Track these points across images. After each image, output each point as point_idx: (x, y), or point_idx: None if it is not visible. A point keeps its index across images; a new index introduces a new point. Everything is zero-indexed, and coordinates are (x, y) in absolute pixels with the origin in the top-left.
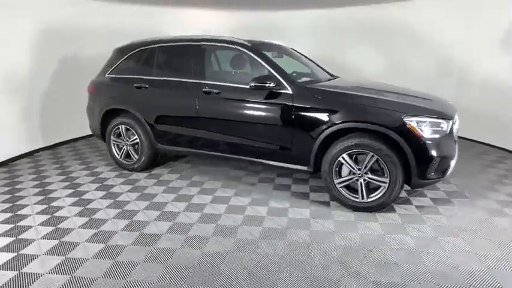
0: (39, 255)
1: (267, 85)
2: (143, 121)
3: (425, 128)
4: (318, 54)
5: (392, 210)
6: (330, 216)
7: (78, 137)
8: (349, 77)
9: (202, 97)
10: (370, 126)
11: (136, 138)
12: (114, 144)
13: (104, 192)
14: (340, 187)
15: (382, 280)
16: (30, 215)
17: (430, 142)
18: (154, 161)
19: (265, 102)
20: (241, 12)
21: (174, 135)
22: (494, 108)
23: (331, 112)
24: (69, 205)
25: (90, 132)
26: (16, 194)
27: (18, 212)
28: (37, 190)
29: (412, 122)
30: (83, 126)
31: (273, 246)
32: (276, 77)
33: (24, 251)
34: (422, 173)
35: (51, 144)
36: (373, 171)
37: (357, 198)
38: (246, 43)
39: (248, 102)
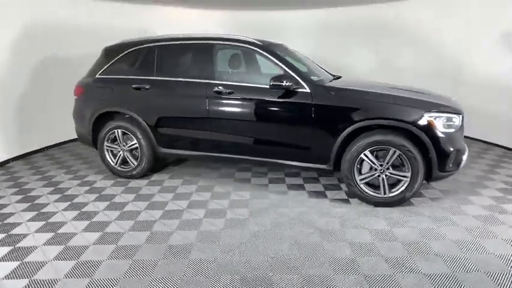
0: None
1: (285, 84)
2: (144, 124)
3: (442, 123)
4: (313, 54)
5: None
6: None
7: (51, 144)
8: (349, 76)
9: (213, 97)
10: (394, 123)
11: (135, 143)
12: (108, 150)
13: (105, 203)
14: (362, 184)
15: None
16: (28, 234)
17: (447, 136)
18: (153, 167)
19: (284, 102)
20: (232, 11)
21: (179, 137)
22: (493, 107)
23: (353, 110)
24: (72, 220)
25: (64, 139)
26: (6, 221)
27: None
28: (26, 205)
29: (431, 117)
30: (55, 132)
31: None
32: (294, 76)
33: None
34: (442, 166)
35: (22, 153)
36: (393, 166)
37: (379, 193)
38: (259, 42)
39: (265, 102)
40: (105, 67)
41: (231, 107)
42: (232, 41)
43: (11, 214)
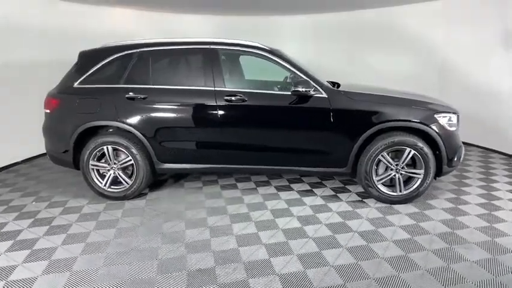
0: None
1: (305, 90)
2: (141, 138)
3: (447, 122)
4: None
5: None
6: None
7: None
8: (349, 82)
9: (224, 106)
10: (411, 124)
11: (129, 160)
12: (93, 170)
13: (112, 230)
14: (379, 184)
15: None
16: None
17: (452, 134)
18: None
19: (301, 108)
20: (223, 16)
21: (185, 151)
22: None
23: (372, 113)
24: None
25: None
26: None
27: None
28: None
29: (440, 118)
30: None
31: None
32: (310, 81)
33: None
34: (450, 162)
35: None
36: (405, 165)
37: (395, 192)
38: (267, 47)
39: (281, 108)
40: (86, 75)
41: (245, 115)
42: (240, 46)
43: None
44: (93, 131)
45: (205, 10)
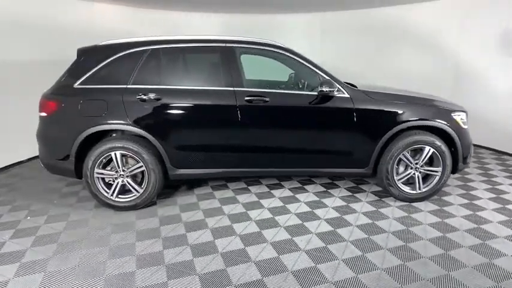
0: None
1: (329, 89)
2: (154, 142)
3: (462, 121)
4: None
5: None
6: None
7: None
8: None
9: (245, 107)
10: (433, 123)
11: (140, 166)
12: (98, 178)
13: (184, 249)
14: (399, 183)
15: None
16: None
17: (466, 132)
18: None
19: (325, 108)
20: (229, 15)
21: (201, 155)
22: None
23: (394, 113)
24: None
25: None
26: None
27: None
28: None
29: (455, 116)
30: None
31: None
32: (333, 81)
33: None
34: (465, 159)
35: None
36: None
37: (414, 190)
38: (287, 47)
39: (304, 108)
40: (88, 74)
41: (267, 116)
42: (258, 44)
43: None
44: (97, 137)
45: (208, 8)
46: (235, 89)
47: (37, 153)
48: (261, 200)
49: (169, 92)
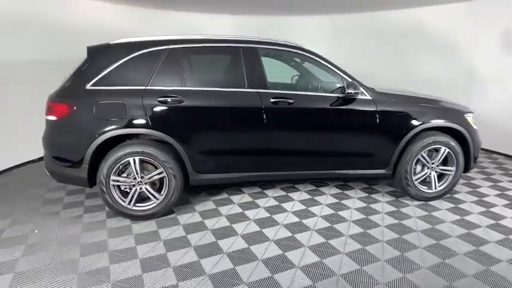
0: None
1: (354, 92)
2: (177, 146)
3: (472, 122)
4: None
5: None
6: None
7: None
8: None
9: (270, 109)
10: (450, 125)
11: (161, 172)
12: (114, 186)
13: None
14: (417, 183)
15: None
16: None
17: (477, 132)
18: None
19: (349, 110)
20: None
21: (225, 159)
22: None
23: (413, 115)
24: None
25: None
26: None
27: None
28: None
29: (468, 117)
30: None
31: None
32: (356, 83)
33: None
34: (475, 158)
35: None
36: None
37: (430, 189)
38: (309, 49)
39: (329, 110)
40: (102, 75)
41: (292, 118)
42: (280, 45)
43: None
44: (110, 142)
45: (213, 10)
46: (260, 90)
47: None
48: (282, 204)
49: (193, 94)
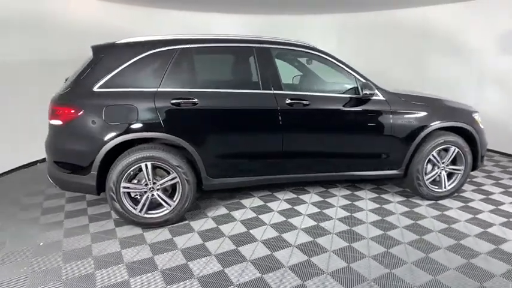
0: None
1: (370, 93)
2: (191, 150)
3: (479, 121)
4: None
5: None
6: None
7: None
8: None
9: (286, 110)
10: (461, 125)
11: (174, 177)
12: (124, 193)
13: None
14: (428, 182)
15: None
16: None
17: (484, 132)
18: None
19: (365, 111)
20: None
21: (240, 162)
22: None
23: (427, 115)
24: None
25: None
26: None
27: None
28: None
29: (475, 117)
30: None
31: None
32: (371, 84)
33: None
34: (482, 157)
35: None
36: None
37: (440, 189)
38: (322, 49)
39: (344, 111)
40: (110, 76)
41: (308, 120)
42: (294, 46)
43: None
44: (118, 148)
45: (220, 9)
46: (275, 91)
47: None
48: (295, 207)
49: (207, 96)
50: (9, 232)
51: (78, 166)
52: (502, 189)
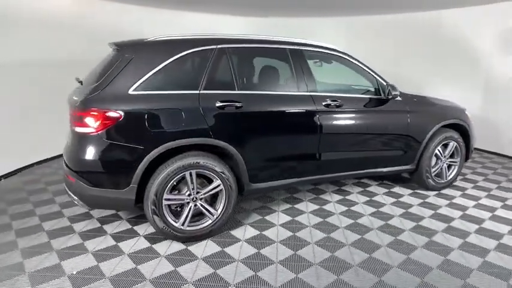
0: None
1: (394, 94)
2: (237, 156)
3: (469, 117)
4: None
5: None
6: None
7: None
8: None
9: (323, 112)
10: (459, 121)
11: (218, 185)
12: (166, 206)
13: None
14: (433, 175)
15: None
16: None
17: (473, 126)
18: None
19: (389, 111)
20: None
21: (280, 165)
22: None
23: (436, 114)
24: None
25: None
26: None
27: None
28: None
29: (467, 113)
30: None
31: None
32: (394, 85)
33: None
34: (472, 150)
35: None
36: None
37: (442, 180)
38: (346, 52)
39: (371, 112)
40: (146, 77)
41: (341, 120)
42: (322, 48)
43: None
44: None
45: (228, 11)
46: (312, 93)
47: None
48: (323, 207)
49: (251, 98)
50: None
51: (117, 180)
52: (483, 177)
